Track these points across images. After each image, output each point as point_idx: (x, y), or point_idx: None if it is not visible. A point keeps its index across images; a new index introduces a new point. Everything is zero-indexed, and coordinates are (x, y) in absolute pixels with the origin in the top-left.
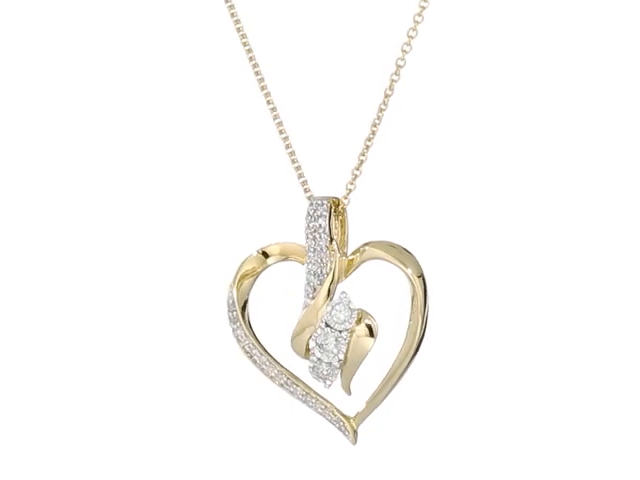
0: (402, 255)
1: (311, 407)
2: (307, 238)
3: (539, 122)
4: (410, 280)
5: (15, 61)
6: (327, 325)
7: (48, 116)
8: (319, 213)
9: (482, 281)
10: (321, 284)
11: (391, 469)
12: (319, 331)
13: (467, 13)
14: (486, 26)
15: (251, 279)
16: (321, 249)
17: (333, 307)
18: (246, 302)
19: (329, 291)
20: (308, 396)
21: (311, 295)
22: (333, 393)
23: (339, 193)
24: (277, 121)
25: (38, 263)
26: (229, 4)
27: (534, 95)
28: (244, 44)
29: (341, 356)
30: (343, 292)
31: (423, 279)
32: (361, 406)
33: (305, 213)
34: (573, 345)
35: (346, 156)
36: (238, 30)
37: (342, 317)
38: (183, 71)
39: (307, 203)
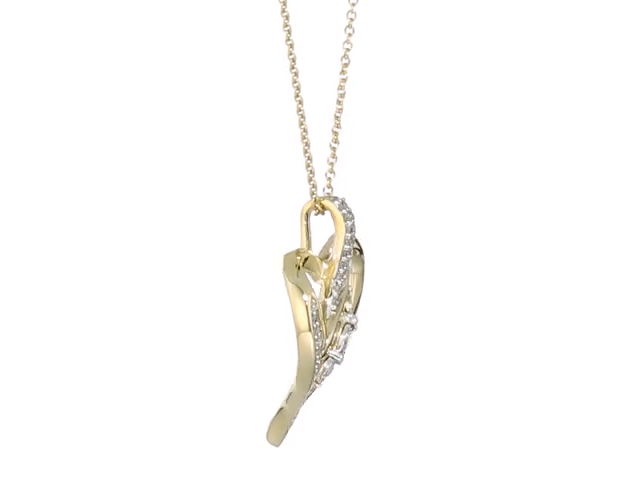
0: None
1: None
2: (348, 242)
3: (516, 108)
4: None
5: (32, 60)
6: (352, 325)
7: (66, 116)
8: (352, 212)
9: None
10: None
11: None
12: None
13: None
14: (450, 13)
15: None
16: (351, 250)
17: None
18: None
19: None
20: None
21: (337, 301)
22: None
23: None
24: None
25: (51, 263)
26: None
27: (507, 80)
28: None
29: (345, 352)
30: None
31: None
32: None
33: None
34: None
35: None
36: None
37: (352, 314)
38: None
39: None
